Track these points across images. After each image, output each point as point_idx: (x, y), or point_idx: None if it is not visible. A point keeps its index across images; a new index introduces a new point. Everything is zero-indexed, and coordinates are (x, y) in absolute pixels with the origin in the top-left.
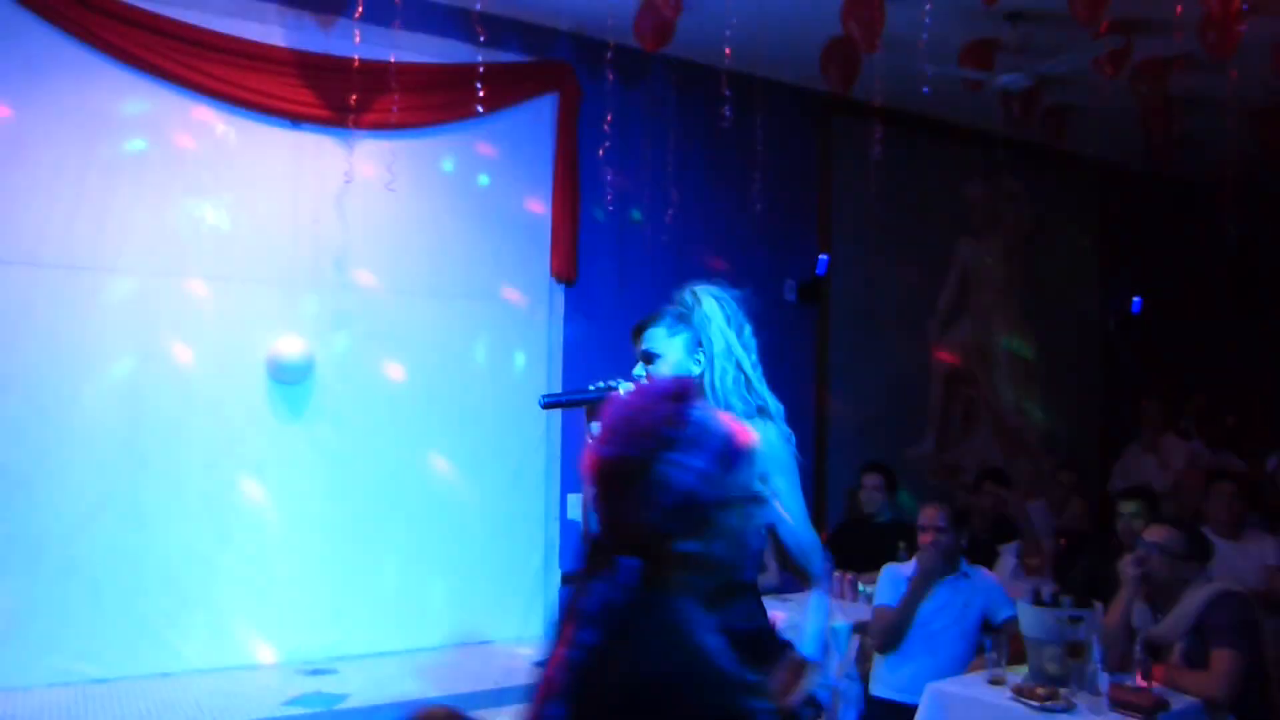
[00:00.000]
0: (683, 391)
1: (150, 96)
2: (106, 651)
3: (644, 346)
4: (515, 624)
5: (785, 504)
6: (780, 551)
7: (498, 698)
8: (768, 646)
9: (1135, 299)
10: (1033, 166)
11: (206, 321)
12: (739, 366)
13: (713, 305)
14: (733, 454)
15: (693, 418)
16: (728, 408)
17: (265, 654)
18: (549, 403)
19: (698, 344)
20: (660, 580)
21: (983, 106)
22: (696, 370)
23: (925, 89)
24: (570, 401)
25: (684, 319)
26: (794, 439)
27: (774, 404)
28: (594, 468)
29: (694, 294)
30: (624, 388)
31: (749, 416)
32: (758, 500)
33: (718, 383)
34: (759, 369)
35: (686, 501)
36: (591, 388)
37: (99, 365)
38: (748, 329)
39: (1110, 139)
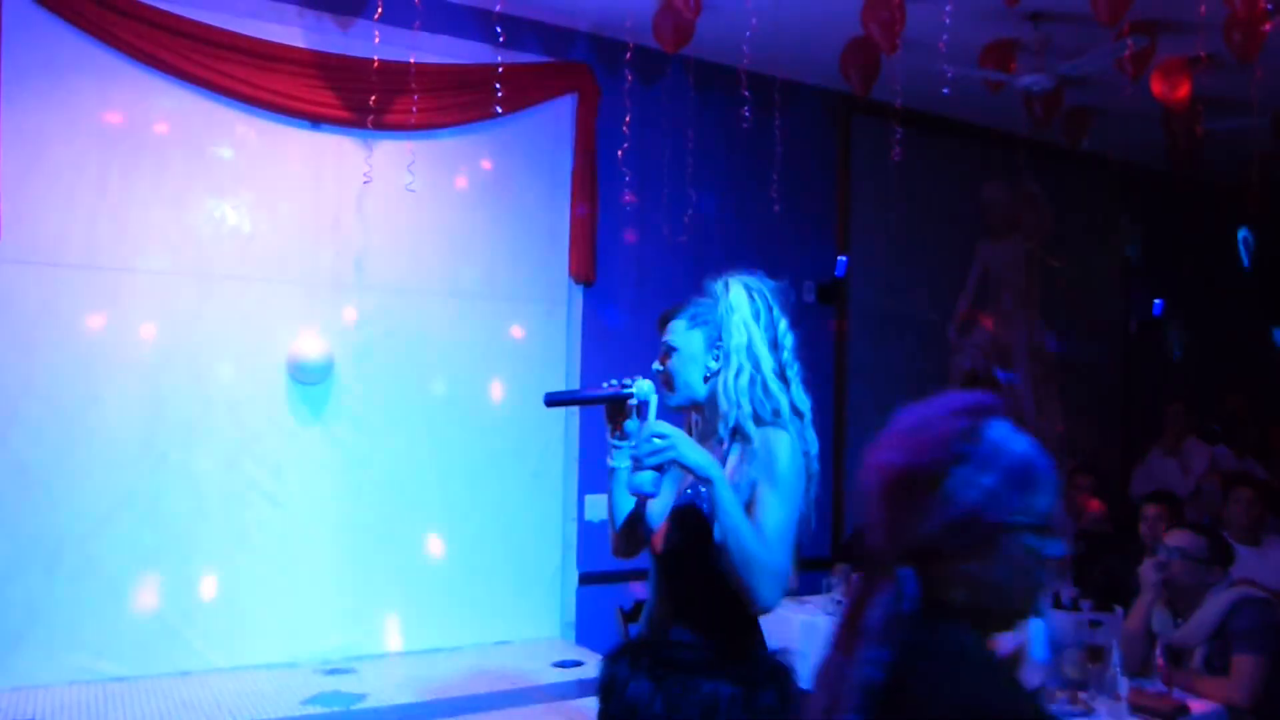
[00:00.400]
0: (982, 406)
1: (171, 98)
2: (126, 650)
3: (664, 339)
4: (533, 624)
5: (762, 513)
6: (727, 562)
7: (515, 698)
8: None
9: (1157, 301)
10: (1054, 168)
11: (226, 322)
12: (756, 365)
13: (740, 296)
14: (1027, 478)
15: (988, 434)
16: (737, 408)
17: (283, 653)
18: (553, 400)
19: (718, 338)
20: (939, 599)
21: (1004, 108)
22: (714, 366)
23: (945, 90)
24: (576, 400)
25: (709, 311)
26: (815, 448)
27: (789, 409)
28: (879, 472)
29: (725, 283)
30: (638, 387)
31: (760, 421)
32: (1047, 531)
33: (730, 381)
34: (793, 367)
35: (969, 519)
36: (605, 385)
37: (119, 365)
38: (783, 324)
39: (1132, 140)
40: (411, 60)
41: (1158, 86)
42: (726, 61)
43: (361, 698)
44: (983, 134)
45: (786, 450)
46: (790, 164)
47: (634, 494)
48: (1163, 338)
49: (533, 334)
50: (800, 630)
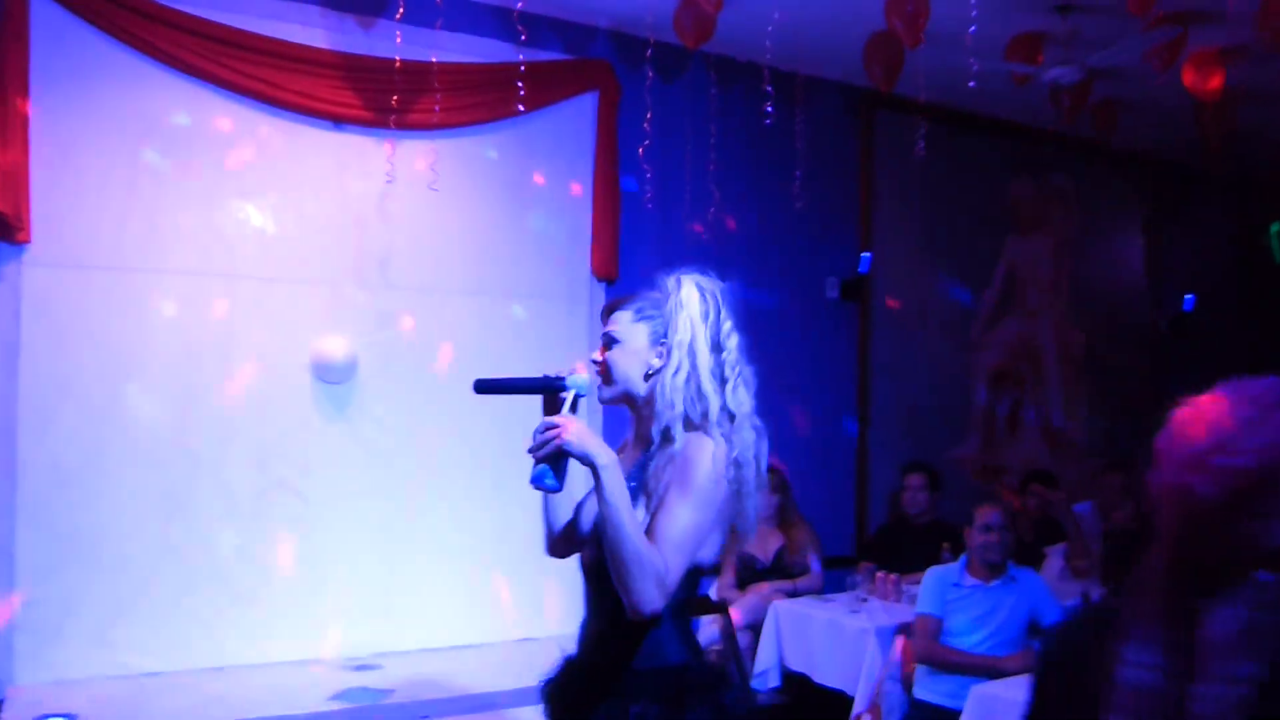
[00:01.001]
0: None
1: (196, 100)
2: (159, 645)
3: (606, 329)
4: (561, 619)
5: (663, 515)
6: (605, 554)
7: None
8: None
9: (1188, 297)
10: (1082, 162)
11: (252, 322)
12: (694, 364)
13: (691, 293)
14: None
15: None
16: (670, 409)
17: (312, 649)
18: (483, 387)
19: (664, 335)
20: None
21: (1030, 101)
22: (657, 363)
23: (971, 83)
24: (508, 388)
25: (656, 305)
26: (754, 452)
27: (719, 411)
28: (1226, 477)
29: (677, 279)
30: (574, 379)
31: (689, 424)
32: None
33: (668, 380)
34: (735, 370)
35: None
36: (540, 376)
37: (149, 366)
38: (727, 325)
39: (1163, 133)
40: (433, 59)
41: (1189, 78)
42: (748, 57)
43: (388, 693)
44: (1009, 128)
45: (707, 457)
46: (813, 160)
47: (535, 488)
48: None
49: (555, 332)
50: (824, 628)
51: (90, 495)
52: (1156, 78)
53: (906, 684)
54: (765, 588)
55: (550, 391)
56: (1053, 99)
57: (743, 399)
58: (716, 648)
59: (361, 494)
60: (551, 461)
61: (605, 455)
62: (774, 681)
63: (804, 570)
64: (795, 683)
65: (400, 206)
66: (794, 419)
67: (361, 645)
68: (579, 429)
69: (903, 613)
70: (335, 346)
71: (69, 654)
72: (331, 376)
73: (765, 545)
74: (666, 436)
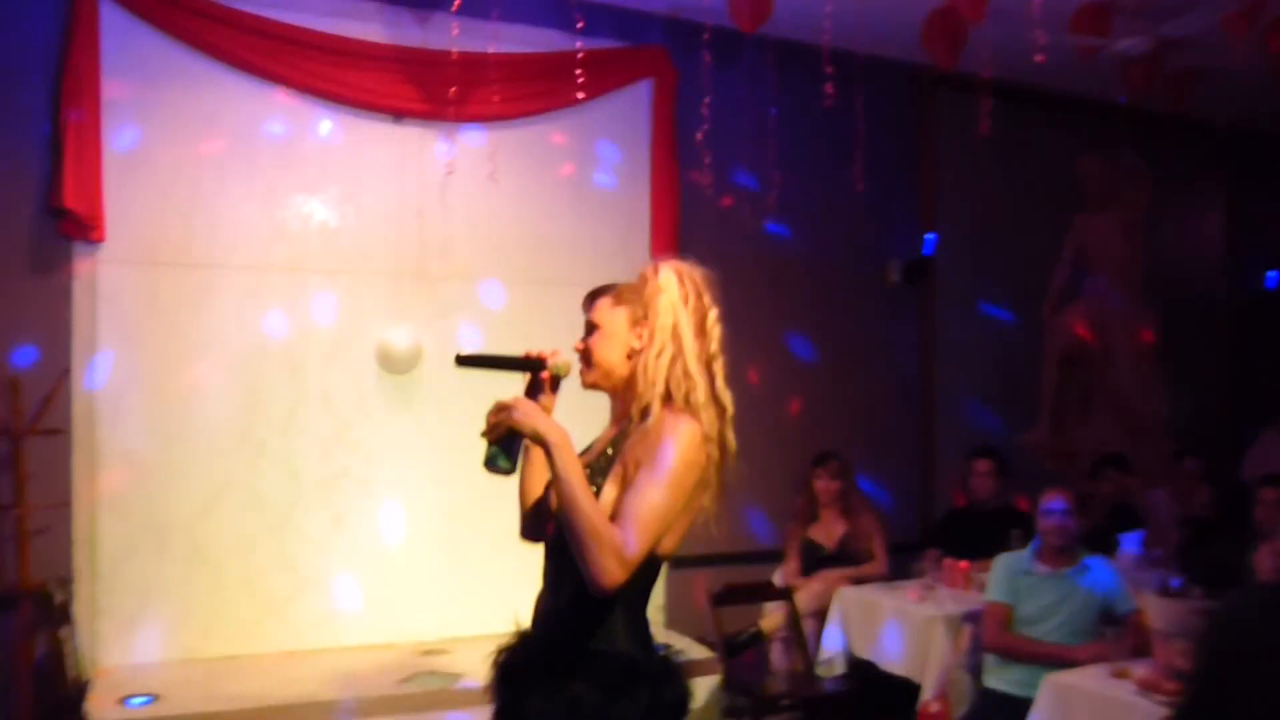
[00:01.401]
0: None
1: (259, 97)
2: (231, 630)
3: (587, 316)
4: None
5: (631, 493)
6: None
7: None
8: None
9: (1270, 274)
10: (1153, 136)
11: (316, 314)
12: (680, 347)
13: (670, 279)
14: None
15: None
16: (652, 386)
17: (381, 634)
18: (465, 361)
19: (643, 318)
20: None
21: (1099, 74)
22: (638, 345)
23: (1036, 58)
24: (490, 363)
25: (634, 291)
26: (725, 451)
27: (707, 396)
28: None
29: (655, 266)
30: (555, 360)
31: (670, 402)
32: None
33: (650, 360)
34: (719, 360)
35: None
36: (522, 355)
37: (218, 358)
38: (712, 313)
39: (1241, 103)
40: (490, 50)
41: (1276, 44)
42: (806, 39)
43: (457, 677)
44: (1076, 103)
45: (685, 438)
46: (873, 141)
47: (488, 471)
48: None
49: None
50: (891, 616)
51: (165, 485)
52: (1234, 45)
53: (976, 672)
54: (831, 575)
55: (531, 370)
56: (1122, 71)
57: (727, 392)
58: (782, 634)
59: (427, 482)
60: (503, 443)
61: (555, 433)
62: (840, 668)
63: (869, 557)
64: (861, 669)
65: (460, 197)
66: (858, 404)
67: (430, 630)
68: (529, 408)
69: (971, 600)
70: (399, 337)
71: (149, 638)
72: (396, 367)
73: (830, 532)
74: (645, 413)
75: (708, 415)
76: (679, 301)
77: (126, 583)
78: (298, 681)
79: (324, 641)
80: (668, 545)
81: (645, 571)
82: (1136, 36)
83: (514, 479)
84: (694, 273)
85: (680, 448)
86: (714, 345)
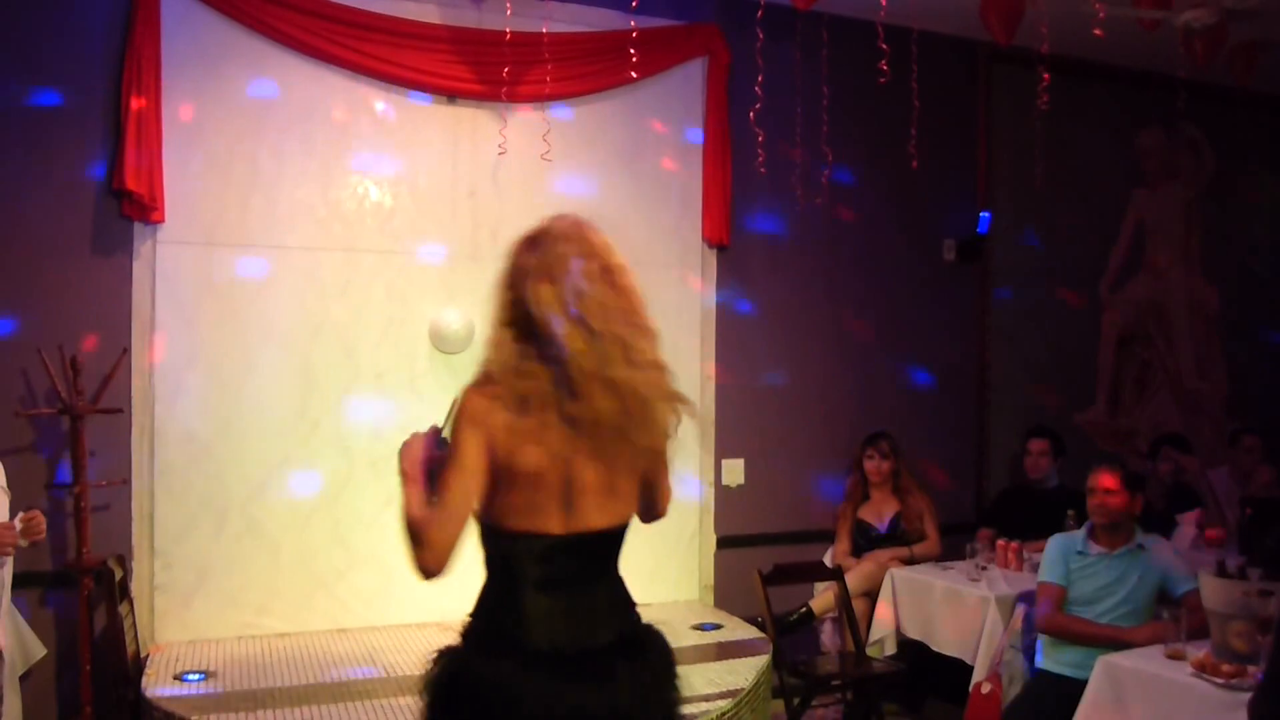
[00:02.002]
0: None
1: (315, 78)
2: (285, 606)
3: None
4: (670, 587)
5: None
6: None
7: None
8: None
9: None
10: (1217, 110)
11: (371, 294)
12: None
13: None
14: None
15: None
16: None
17: (433, 611)
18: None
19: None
20: None
21: (1160, 47)
22: None
23: (1096, 31)
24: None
25: None
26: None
27: (501, 366)
28: None
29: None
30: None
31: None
32: None
33: None
34: (543, 318)
35: None
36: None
37: (273, 338)
38: (520, 270)
39: None
40: (544, 30)
41: None
42: (860, 15)
43: None
44: (1137, 77)
45: (454, 414)
46: (928, 118)
47: None
48: None
49: (667, 299)
50: (943, 596)
51: (220, 463)
52: None
53: (1029, 653)
54: (882, 555)
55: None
56: (1185, 44)
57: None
58: (832, 615)
59: None
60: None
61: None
62: (891, 649)
63: (921, 537)
64: (912, 650)
65: (513, 177)
66: (911, 383)
67: None
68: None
69: (1024, 581)
70: (452, 316)
71: (203, 615)
72: (449, 346)
73: (881, 512)
74: None
75: (508, 382)
76: (500, 280)
77: (183, 559)
78: (349, 659)
79: (376, 619)
80: (497, 516)
81: (490, 544)
82: (1201, 8)
83: None
84: (520, 239)
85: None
86: (532, 303)
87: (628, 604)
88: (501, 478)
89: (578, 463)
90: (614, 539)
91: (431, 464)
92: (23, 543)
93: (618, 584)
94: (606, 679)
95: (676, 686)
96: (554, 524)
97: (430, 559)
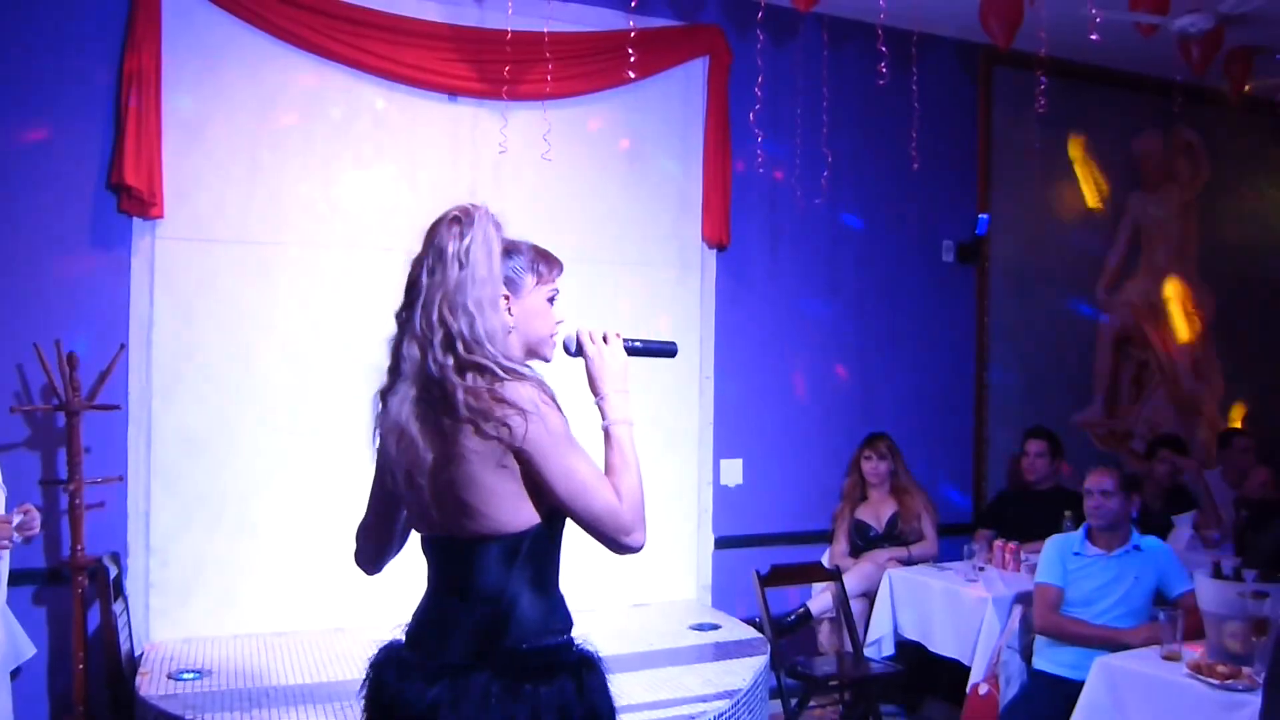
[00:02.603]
0: None
1: (316, 75)
2: (282, 605)
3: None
4: (670, 587)
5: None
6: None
7: (652, 660)
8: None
9: None
10: (1213, 115)
11: (370, 291)
12: None
13: None
14: None
15: None
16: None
17: None
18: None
19: None
20: None
21: (1157, 52)
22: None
23: (1094, 36)
24: (647, 351)
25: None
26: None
27: None
28: None
29: None
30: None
31: None
32: None
33: None
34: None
35: None
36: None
37: (272, 335)
38: None
39: None
40: (545, 29)
41: None
42: (861, 17)
43: None
44: (1134, 81)
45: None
46: (928, 120)
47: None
48: None
49: (666, 299)
50: (940, 597)
51: (218, 461)
52: None
53: (1025, 654)
54: (880, 555)
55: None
56: (1181, 49)
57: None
58: (830, 615)
59: None
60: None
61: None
62: (888, 649)
63: (919, 538)
64: (910, 651)
65: (513, 176)
66: (910, 384)
67: None
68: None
69: (1021, 582)
70: None
71: (198, 613)
72: None
73: (879, 512)
74: None
75: None
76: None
77: (179, 558)
78: (345, 658)
79: (373, 618)
80: None
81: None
82: (1197, 13)
83: None
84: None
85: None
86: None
87: (505, 629)
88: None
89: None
90: (473, 547)
91: None
92: (18, 538)
93: (497, 602)
94: (455, 700)
95: None
96: (423, 524)
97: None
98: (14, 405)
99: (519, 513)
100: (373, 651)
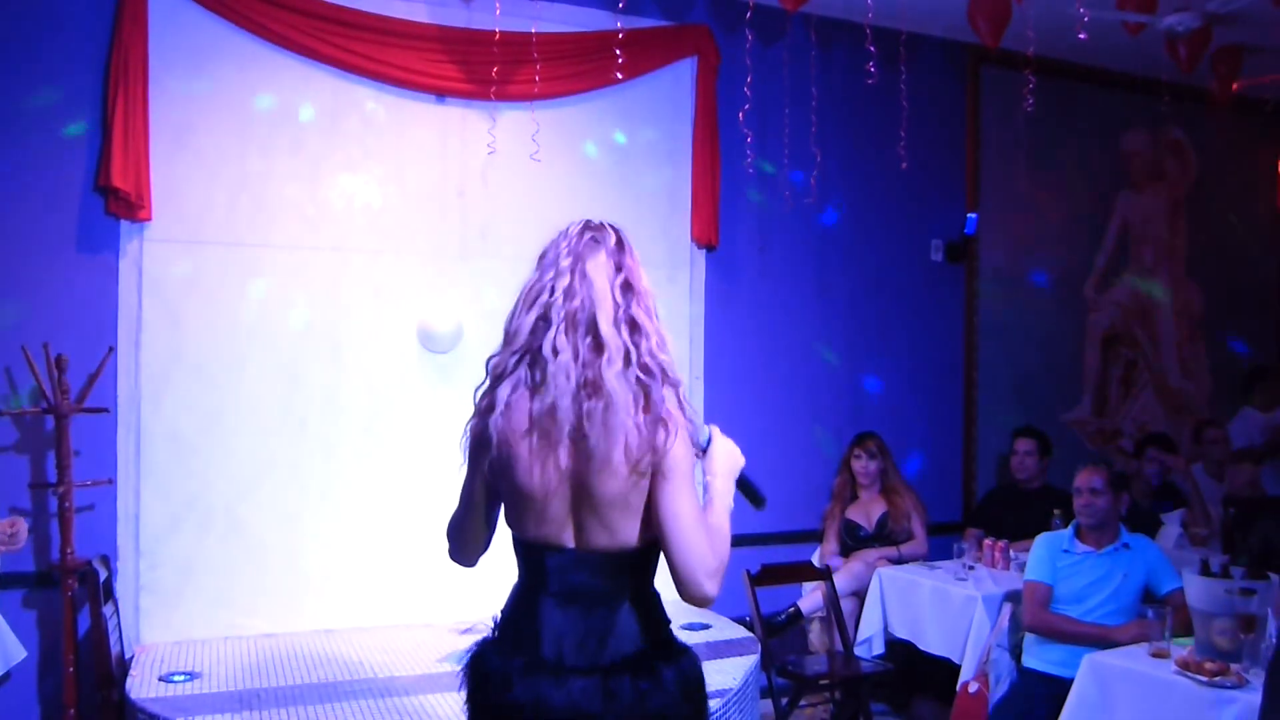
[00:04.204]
0: None
1: (304, 77)
2: (271, 607)
3: None
4: (660, 586)
5: None
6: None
7: None
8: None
9: None
10: (1200, 113)
11: (359, 293)
12: None
13: None
14: None
15: None
16: None
17: (420, 612)
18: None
19: None
20: None
21: (1145, 51)
22: None
23: (1081, 35)
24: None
25: None
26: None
27: None
28: None
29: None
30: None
31: None
32: None
33: None
34: None
35: None
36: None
37: (261, 337)
38: None
39: None
40: (533, 30)
41: None
42: (849, 18)
43: None
44: (1121, 80)
45: None
46: (916, 120)
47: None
48: None
49: (656, 299)
50: (930, 596)
51: (207, 462)
52: None
53: (1015, 652)
54: (870, 554)
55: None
56: (1169, 48)
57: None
58: (820, 614)
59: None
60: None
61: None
62: (879, 648)
63: (908, 537)
64: (900, 650)
65: (502, 177)
66: (899, 383)
67: (468, 608)
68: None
69: (1010, 580)
70: (440, 316)
71: (189, 615)
72: (437, 346)
73: (869, 512)
74: None
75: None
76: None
77: (169, 560)
78: (336, 660)
79: (363, 620)
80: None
81: (518, 552)
82: (1184, 12)
83: None
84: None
85: None
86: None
87: (655, 624)
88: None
89: (583, 481)
90: (628, 558)
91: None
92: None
93: (643, 603)
94: (610, 696)
95: (696, 713)
96: (568, 538)
97: (453, 556)
98: (2, 408)
99: (641, 529)
100: (464, 655)
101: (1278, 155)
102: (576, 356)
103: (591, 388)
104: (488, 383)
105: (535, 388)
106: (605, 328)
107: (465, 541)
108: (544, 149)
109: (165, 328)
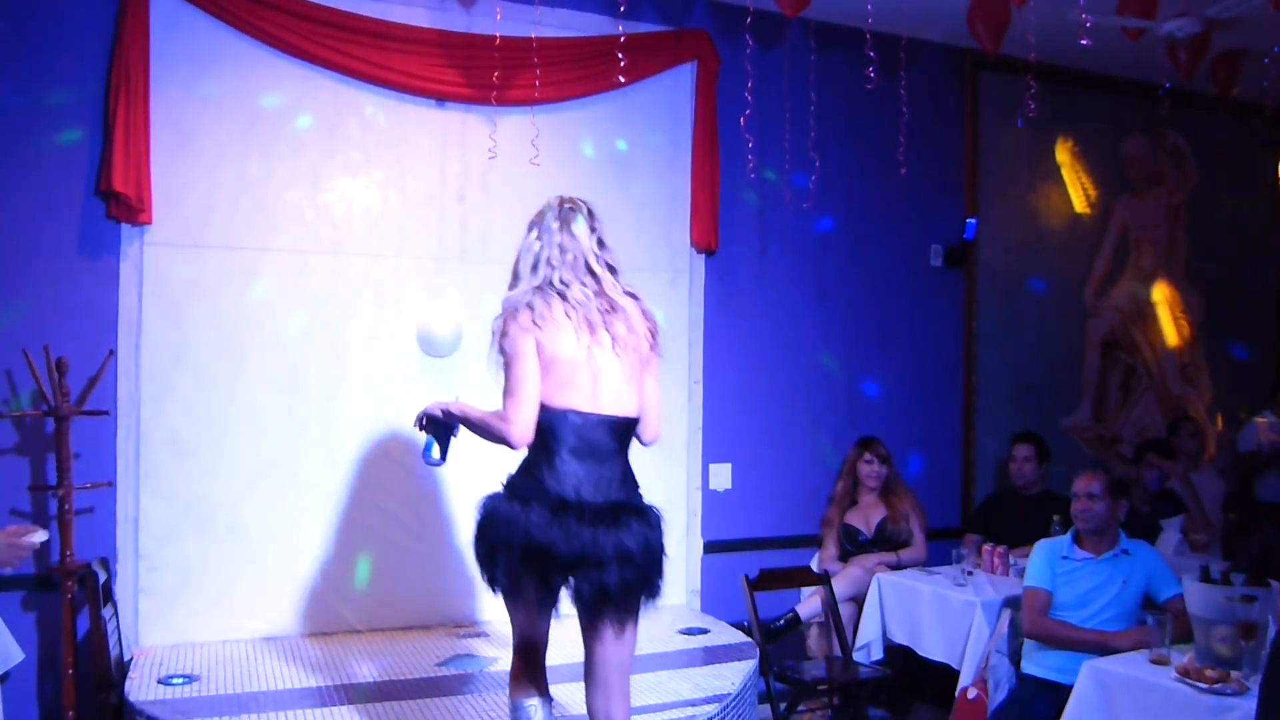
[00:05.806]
0: None
1: (304, 81)
2: (272, 610)
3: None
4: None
5: None
6: None
7: (641, 664)
8: None
9: None
10: (1200, 119)
11: (359, 297)
12: None
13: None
14: None
15: None
16: None
17: (419, 616)
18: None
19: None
20: None
21: (1144, 57)
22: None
23: (1082, 41)
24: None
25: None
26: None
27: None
28: None
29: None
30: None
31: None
32: None
33: None
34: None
35: None
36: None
37: (260, 341)
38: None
39: None
40: (533, 35)
41: None
42: (849, 23)
43: (494, 660)
44: (1121, 86)
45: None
46: (916, 125)
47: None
48: None
49: (655, 304)
50: (929, 601)
51: (206, 466)
52: None
53: (1014, 658)
54: (869, 559)
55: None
56: (1169, 53)
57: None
58: (818, 619)
59: (466, 464)
60: (436, 435)
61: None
62: (877, 654)
63: (908, 542)
64: (899, 655)
65: (502, 182)
66: (898, 388)
67: (467, 613)
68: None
69: (1009, 586)
70: (440, 321)
71: (188, 618)
72: (436, 350)
73: (868, 517)
74: None
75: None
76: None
77: (168, 563)
78: (335, 664)
79: (363, 623)
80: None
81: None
82: (1184, 18)
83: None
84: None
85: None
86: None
87: (634, 481)
88: (548, 365)
89: (600, 357)
90: (628, 425)
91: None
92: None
93: (628, 463)
94: (617, 526)
95: (662, 544)
96: (585, 403)
97: (517, 432)
98: (3, 411)
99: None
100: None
101: (1277, 160)
102: (584, 284)
103: (607, 301)
104: (526, 302)
105: (565, 301)
106: (596, 267)
107: (528, 416)
108: (544, 154)
109: (165, 331)
